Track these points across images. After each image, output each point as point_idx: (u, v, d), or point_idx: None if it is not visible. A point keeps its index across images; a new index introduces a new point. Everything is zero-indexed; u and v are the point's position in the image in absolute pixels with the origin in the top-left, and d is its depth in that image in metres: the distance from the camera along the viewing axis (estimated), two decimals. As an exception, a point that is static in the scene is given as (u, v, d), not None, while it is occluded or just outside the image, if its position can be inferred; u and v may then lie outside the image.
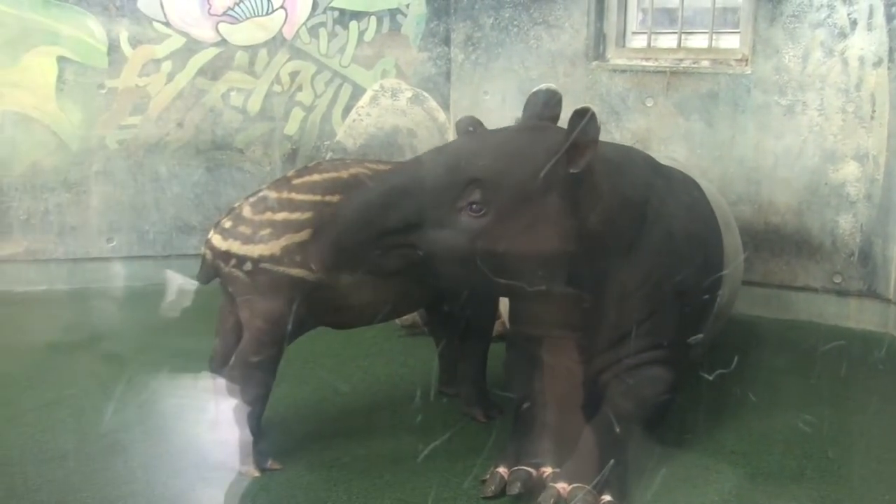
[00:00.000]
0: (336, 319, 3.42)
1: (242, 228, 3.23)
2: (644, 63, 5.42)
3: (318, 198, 3.23)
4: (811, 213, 5.05)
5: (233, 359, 3.28)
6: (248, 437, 3.28)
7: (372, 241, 3.01)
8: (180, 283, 4.56)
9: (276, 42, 5.70)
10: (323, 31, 5.76)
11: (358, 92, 5.88)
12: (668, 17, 5.55)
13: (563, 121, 3.15)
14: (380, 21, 5.81)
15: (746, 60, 5.15)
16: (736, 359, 3.78)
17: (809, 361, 4.38)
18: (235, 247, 3.22)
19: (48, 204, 5.52)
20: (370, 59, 5.86)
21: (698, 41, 5.39)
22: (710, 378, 3.61)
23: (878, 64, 4.78)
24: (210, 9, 5.57)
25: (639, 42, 5.55)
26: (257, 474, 3.26)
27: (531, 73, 5.62)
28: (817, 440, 3.60)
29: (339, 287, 3.27)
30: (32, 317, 5.11)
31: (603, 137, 3.07)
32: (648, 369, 3.29)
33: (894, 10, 4.72)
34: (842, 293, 5.05)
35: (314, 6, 5.71)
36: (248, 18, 5.64)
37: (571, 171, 2.96)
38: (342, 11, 5.75)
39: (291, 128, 5.83)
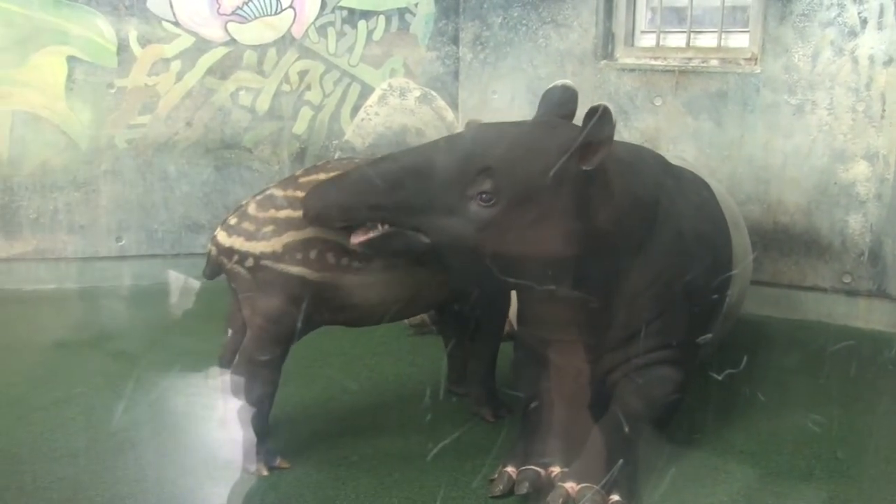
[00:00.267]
0: (341, 318, 3.41)
1: (246, 225, 3.24)
2: (653, 62, 5.41)
3: None
4: (820, 213, 5.03)
5: (237, 357, 3.29)
6: (257, 436, 3.28)
7: (365, 209, 3.01)
8: (183, 283, 4.57)
9: (285, 41, 5.71)
10: (331, 31, 5.76)
11: (366, 91, 5.89)
12: (677, 16, 5.54)
13: (579, 118, 3.15)
14: (388, 20, 5.81)
15: (756, 59, 5.14)
16: (745, 359, 3.78)
17: (818, 361, 4.36)
18: (238, 243, 3.22)
19: (57, 203, 5.54)
20: (379, 59, 5.86)
21: (707, 40, 5.38)
22: (720, 378, 3.61)
23: (888, 63, 4.76)
24: (219, 8, 5.58)
25: (647, 41, 5.54)
26: (266, 473, 3.27)
27: (539, 72, 5.61)
28: (826, 440, 3.60)
29: (343, 286, 3.26)
30: (42, 315, 5.13)
31: (611, 136, 3.06)
32: (657, 369, 3.29)
33: (905, 9, 4.72)
34: (851, 293, 5.03)
35: (323, 6, 5.71)
36: (256, 18, 5.64)
37: (584, 168, 2.96)
38: (351, 11, 5.75)
39: (300, 127, 5.83)
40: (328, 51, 5.78)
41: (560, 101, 3.25)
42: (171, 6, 5.50)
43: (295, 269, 3.19)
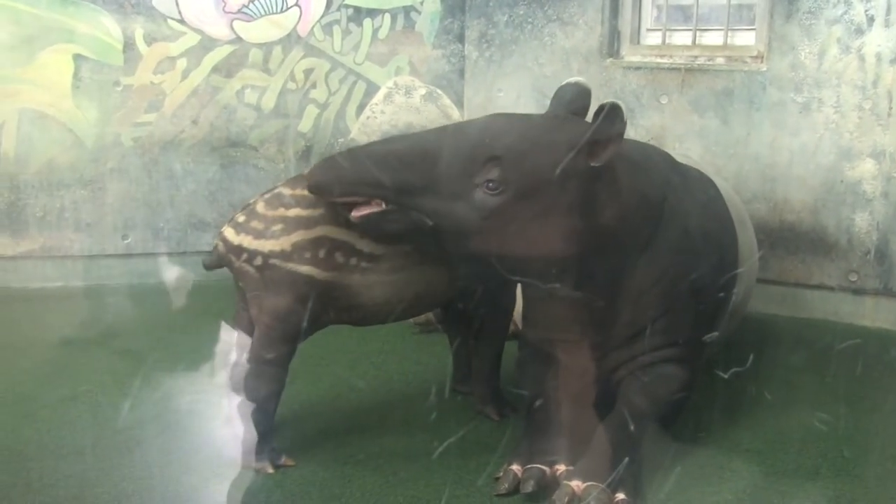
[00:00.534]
0: (348, 318, 3.41)
1: (255, 224, 3.23)
2: (659, 60, 5.40)
3: None
4: (827, 211, 5.02)
5: (245, 355, 3.29)
6: (262, 434, 3.29)
7: (368, 185, 3.01)
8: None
9: (291, 39, 5.71)
10: (337, 29, 5.76)
11: (372, 89, 5.89)
12: (683, 14, 5.53)
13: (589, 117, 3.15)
14: (394, 18, 5.81)
15: (762, 57, 5.13)
16: (751, 357, 3.77)
17: (825, 360, 4.35)
18: (247, 241, 3.22)
19: (64, 201, 5.55)
20: (384, 57, 5.86)
21: (713, 38, 5.37)
22: (725, 376, 3.61)
23: (895, 61, 4.75)
24: (225, 6, 5.58)
25: (653, 39, 5.53)
26: (271, 471, 3.27)
27: (545, 70, 5.61)
28: (833, 439, 3.59)
29: (351, 286, 3.27)
30: (48, 313, 5.14)
31: (618, 134, 3.06)
32: (663, 367, 3.29)
33: (912, 7, 4.70)
34: (857, 291, 5.02)
35: (328, 4, 5.71)
36: (262, 16, 5.65)
37: (592, 164, 2.95)
38: (356, 9, 5.75)
39: (305, 125, 5.84)
40: (334, 49, 5.78)
41: (572, 99, 3.24)
42: (177, 4, 5.51)
43: (303, 269, 3.19)
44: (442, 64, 5.92)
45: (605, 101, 2.93)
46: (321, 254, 3.19)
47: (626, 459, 3.07)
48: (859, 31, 4.81)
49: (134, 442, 3.49)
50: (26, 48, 5.34)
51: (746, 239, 3.88)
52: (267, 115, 5.78)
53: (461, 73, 5.93)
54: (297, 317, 3.22)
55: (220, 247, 3.31)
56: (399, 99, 5.93)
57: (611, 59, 5.49)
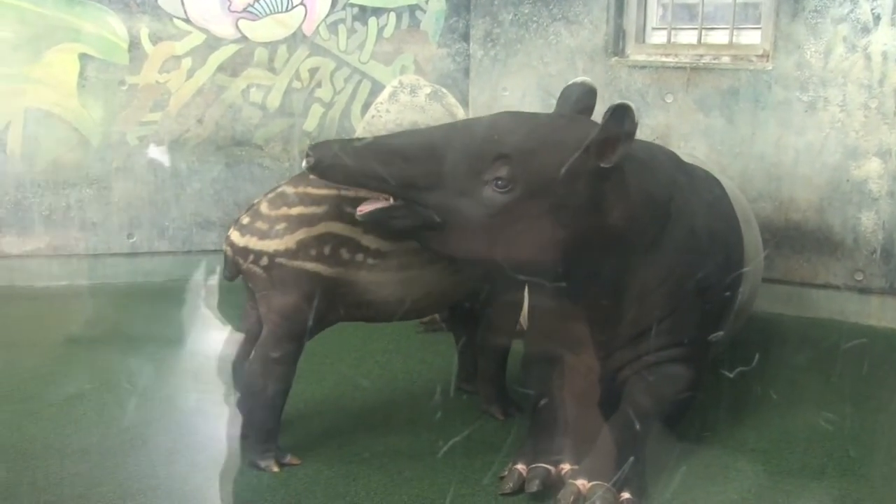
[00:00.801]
0: (356, 315, 3.41)
1: (259, 224, 3.24)
2: (664, 59, 5.39)
3: (333, 192, 3.22)
4: (833, 210, 5.01)
5: (252, 354, 3.30)
6: (268, 432, 3.29)
7: (374, 176, 2.97)
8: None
9: (296, 38, 5.71)
10: (342, 28, 5.76)
11: (377, 88, 5.89)
12: (689, 13, 5.52)
13: (597, 115, 3.14)
14: (399, 17, 5.81)
15: (767, 56, 5.12)
16: (757, 356, 3.76)
17: (831, 359, 4.34)
18: (252, 242, 3.23)
19: (69, 200, 5.56)
20: (389, 56, 5.86)
21: (719, 37, 5.36)
22: (731, 375, 3.60)
23: (901, 59, 4.74)
24: (230, 5, 5.59)
25: (659, 38, 5.52)
26: (276, 469, 3.27)
27: (550, 69, 5.60)
28: (839, 438, 3.58)
29: (358, 283, 3.27)
30: (54, 312, 5.15)
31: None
32: (669, 367, 3.28)
33: (918, 5, 4.69)
34: (863, 291, 5.01)
35: (333, 3, 5.71)
36: (267, 15, 5.65)
37: (602, 165, 2.95)
38: (361, 8, 5.75)
39: (311, 124, 5.84)
40: (339, 48, 5.78)
41: (578, 98, 3.24)
42: (183, 3, 5.51)
43: (310, 266, 3.19)
44: (447, 63, 5.92)
45: (616, 102, 2.92)
46: (326, 250, 3.19)
47: (632, 459, 3.06)
48: (865, 30, 4.80)
49: (139, 440, 3.50)
50: (32, 47, 5.35)
51: (752, 238, 3.87)
52: (272, 114, 5.78)
53: (466, 71, 5.92)
54: (305, 314, 3.22)
55: (228, 250, 3.31)
56: (404, 98, 5.93)
57: (616, 57, 5.48)
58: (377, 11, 5.78)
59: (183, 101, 5.63)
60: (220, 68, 5.64)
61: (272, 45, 5.69)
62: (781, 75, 5.03)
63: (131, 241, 5.68)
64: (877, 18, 4.77)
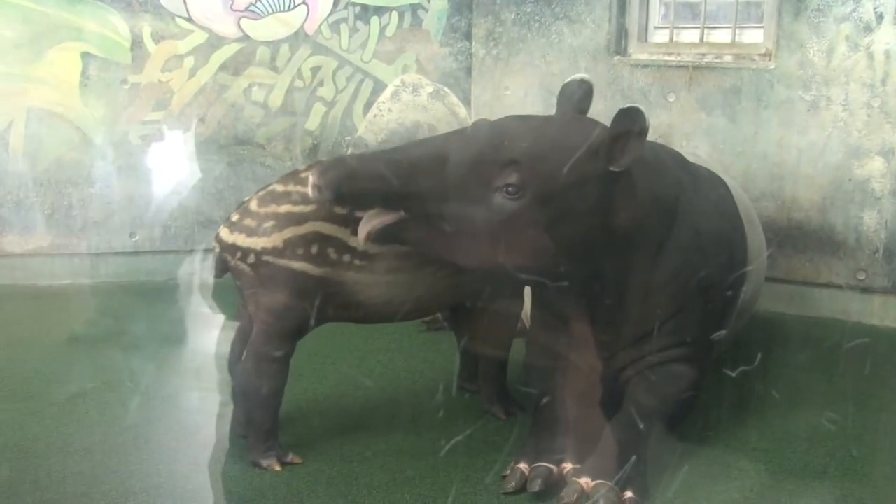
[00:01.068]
0: (348, 316, 3.40)
1: (248, 221, 3.23)
2: (666, 58, 5.39)
3: None
4: (835, 210, 5.00)
5: (244, 353, 3.30)
6: (267, 431, 3.29)
7: (384, 194, 2.92)
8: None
9: (298, 37, 5.71)
10: (344, 27, 5.76)
11: (379, 87, 5.89)
12: (691, 12, 5.52)
13: (594, 113, 3.14)
14: (401, 16, 5.81)
15: (770, 55, 5.11)
16: (759, 356, 3.76)
17: (833, 359, 4.34)
18: (240, 240, 3.22)
19: (72, 198, 5.56)
20: (391, 55, 5.86)
21: (721, 36, 5.35)
22: (733, 375, 3.60)
23: (904, 58, 4.74)
24: (232, 4, 5.59)
25: (661, 37, 5.52)
26: (278, 468, 3.27)
27: (552, 68, 5.60)
28: (841, 438, 3.58)
29: (347, 283, 3.25)
30: (56, 310, 5.16)
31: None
32: (672, 366, 3.28)
33: (921, 4, 4.68)
34: (866, 290, 5.01)
35: (336, 2, 5.71)
36: (269, 14, 5.65)
37: (612, 169, 2.94)
38: (364, 7, 5.75)
39: (313, 123, 5.84)
40: (341, 47, 5.78)
41: (579, 96, 3.24)
42: (185, 2, 5.51)
43: (296, 265, 3.18)
44: (449, 62, 5.91)
45: (625, 106, 2.91)
46: (313, 249, 3.18)
47: (634, 458, 3.06)
48: (868, 29, 4.79)
49: (142, 439, 3.50)
50: (34, 46, 5.35)
51: (755, 237, 3.87)
52: (274, 113, 5.78)
53: (468, 70, 5.92)
54: (294, 313, 3.22)
55: (217, 247, 3.31)
56: (406, 97, 5.93)
57: (618, 56, 5.48)
58: (379, 10, 5.78)
59: (185, 100, 5.63)
60: (223, 67, 5.64)
61: (274, 44, 5.69)
62: (784, 74, 5.03)
63: (133, 239, 5.68)
64: (879, 17, 4.76)
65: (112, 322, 4.90)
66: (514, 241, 2.96)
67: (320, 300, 3.24)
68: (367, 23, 5.78)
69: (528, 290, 3.66)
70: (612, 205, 3.01)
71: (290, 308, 3.22)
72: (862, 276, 4.99)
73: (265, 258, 3.19)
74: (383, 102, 5.91)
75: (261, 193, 3.31)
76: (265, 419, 3.29)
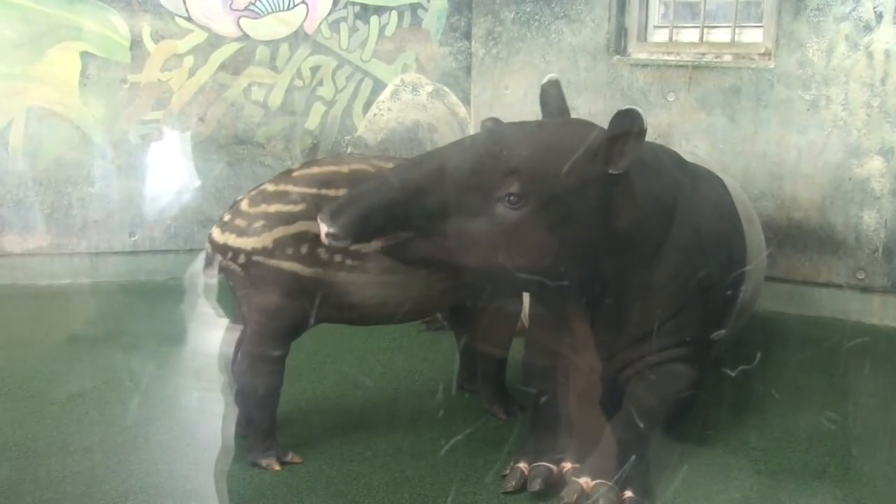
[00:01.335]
0: (341, 317, 3.38)
1: (238, 221, 3.23)
2: (666, 57, 5.39)
3: (313, 191, 3.21)
4: (835, 209, 5.00)
5: (239, 353, 3.29)
6: (265, 431, 3.29)
7: (394, 221, 2.91)
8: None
9: (298, 37, 5.71)
10: (344, 26, 5.76)
11: (379, 87, 5.89)
12: (691, 11, 5.52)
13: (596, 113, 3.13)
14: (401, 16, 5.81)
15: (770, 55, 5.11)
16: (759, 355, 3.76)
17: (833, 358, 4.34)
18: (231, 240, 3.21)
19: (71, 198, 5.56)
20: (391, 54, 5.86)
21: (721, 35, 5.35)
22: (733, 374, 3.60)
23: (903, 58, 4.74)
24: (232, 4, 5.58)
25: (661, 36, 5.52)
26: (278, 467, 3.27)
27: (552, 67, 5.59)
28: (841, 438, 3.58)
29: (338, 283, 3.24)
30: (56, 310, 5.15)
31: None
32: (671, 366, 3.28)
33: (921, 4, 4.68)
34: (866, 289, 5.01)
35: (335, 1, 5.71)
36: (269, 13, 5.65)
37: (611, 171, 2.94)
38: (363, 6, 5.75)
39: (312, 122, 5.84)
40: (340, 46, 5.78)
41: (557, 97, 3.27)
42: (184, 2, 5.51)
43: (286, 265, 3.17)
44: (449, 61, 5.91)
45: (623, 107, 2.90)
46: (303, 249, 3.17)
47: (634, 457, 3.07)
48: (868, 28, 4.79)
49: (141, 439, 3.50)
50: (34, 46, 5.35)
51: (754, 237, 3.87)
52: (274, 113, 5.78)
53: (468, 70, 5.92)
54: (286, 313, 3.21)
55: (208, 247, 3.30)
56: (406, 96, 5.93)
57: (618, 56, 5.48)
58: (379, 10, 5.78)
59: (185, 99, 5.63)
60: (222, 67, 5.64)
61: (274, 44, 5.69)
62: (783, 74, 5.03)
63: (133, 239, 5.68)
64: (879, 17, 4.76)
65: (112, 322, 4.90)
66: (518, 248, 2.95)
67: (313, 301, 3.22)
68: (367, 22, 5.78)
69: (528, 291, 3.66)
70: (611, 206, 3.01)
71: (282, 308, 3.21)
72: (861, 276, 4.99)
73: (255, 258, 3.18)
74: (383, 102, 5.91)
75: (252, 193, 3.31)
76: (263, 419, 3.29)
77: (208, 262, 3.32)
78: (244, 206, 3.26)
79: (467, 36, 5.88)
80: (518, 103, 5.67)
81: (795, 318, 5.07)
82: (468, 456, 3.37)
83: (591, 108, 5.43)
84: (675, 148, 3.85)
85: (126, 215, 5.65)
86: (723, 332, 3.46)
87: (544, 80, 3.35)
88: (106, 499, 3.07)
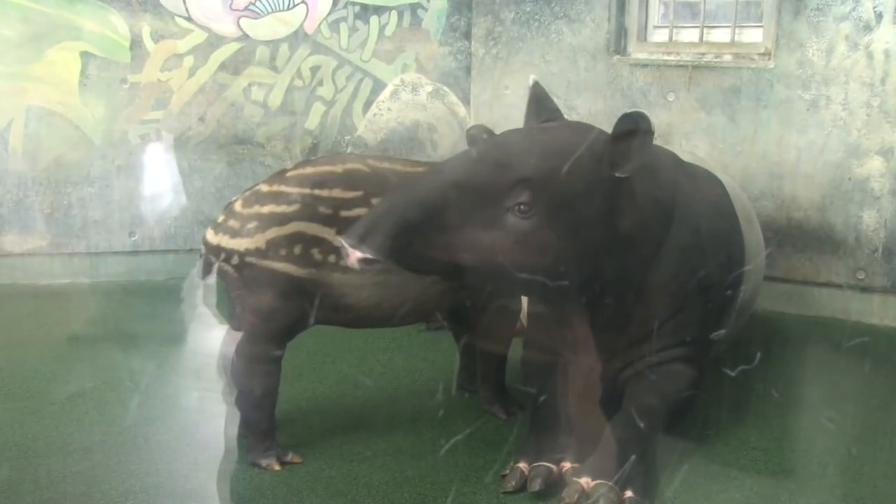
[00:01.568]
0: (337, 318, 3.36)
1: (232, 223, 3.22)
2: (666, 57, 5.39)
3: (306, 191, 3.20)
4: (834, 209, 5.00)
5: (234, 354, 3.29)
6: (264, 431, 3.29)
7: (413, 243, 2.87)
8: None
9: (298, 37, 5.71)
10: (344, 26, 5.76)
11: (378, 86, 5.89)
12: (691, 11, 5.52)
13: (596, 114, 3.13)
14: (400, 16, 5.81)
15: (769, 54, 5.11)
16: (758, 355, 3.76)
17: (832, 358, 4.34)
18: (224, 241, 3.21)
19: (71, 198, 5.56)
20: (391, 54, 5.86)
21: (721, 35, 5.35)
22: (733, 374, 3.60)
23: (903, 58, 4.74)
24: (231, 4, 5.58)
25: (660, 36, 5.52)
26: (278, 468, 3.27)
27: (552, 67, 5.60)
28: (840, 437, 3.58)
29: (332, 284, 3.23)
30: (56, 310, 5.15)
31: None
32: (671, 366, 3.28)
33: (920, 4, 4.68)
34: (865, 289, 5.01)
35: (335, 1, 5.71)
36: (269, 13, 5.65)
37: (617, 175, 2.94)
38: (363, 6, 5.75)
39: (312, 122, 5.84)
40: (340, 46, 5.78)
41: (545, 98, 3.27)
42: (184, 2, 5.51)
43: (279, 266, 3.16)
44: (449, 61, 5.91)
45: (628, 111, 2.90)
46: (297, 250, 3.16)
47: (634, 457, 3.06)
48: (867, 28, 4.80)
49: (141, 439, 3.50)
50: (34, 45, 5.35)
51: (753, 237, 3.87)
52: (274, 113, 5.78)
53: (468, 70, 5.92)
54: (280, 314, 3.21)
55: (203, 249, 3.29)
56: (406, 96, 5.93)
57: (618, 56, 5.47)
58: (379, 10, 5.78)
59: (185, 99, 5.63)
60: (222, 66, 5.64)
61: (274, 44, 5.69)
62: (783, 73, 5.03)
63: (133, 239, 5.68)
64: (879, 16, 4.76)
65: (111, 322, 4.90)
66: (528, 255, 2.93)
67: (308, 302, 3.21)
68: (367, 22, 5.78)
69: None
70: (616, 209, 3.01)
71: (276, 309, 3.20)
72: (861, 276, 4.99)
73: (248, 259, 3.17)
74: (383, 102, 5.91)
75: (246, 194, 3.30)
76: (261, 420, 3.29)
77: (206, 268, 3.32)
78: (238, 207, 3.25)
79: (467, 36, 5.88)
80: (518, 103, 5.64)
81: (795, 318, 5.07)
82: (468, 456, 3.37)
83: (591, 108, 5.43)
84: (675, 148, 3.85)
85: (126, 215, 5.65)
86: (722, 332, 3.46)
87: (530, 83, 3.33)
88: (106, 499, 3.07)
